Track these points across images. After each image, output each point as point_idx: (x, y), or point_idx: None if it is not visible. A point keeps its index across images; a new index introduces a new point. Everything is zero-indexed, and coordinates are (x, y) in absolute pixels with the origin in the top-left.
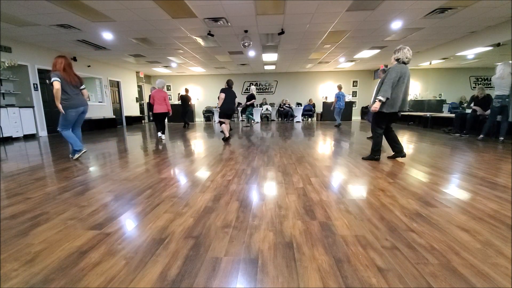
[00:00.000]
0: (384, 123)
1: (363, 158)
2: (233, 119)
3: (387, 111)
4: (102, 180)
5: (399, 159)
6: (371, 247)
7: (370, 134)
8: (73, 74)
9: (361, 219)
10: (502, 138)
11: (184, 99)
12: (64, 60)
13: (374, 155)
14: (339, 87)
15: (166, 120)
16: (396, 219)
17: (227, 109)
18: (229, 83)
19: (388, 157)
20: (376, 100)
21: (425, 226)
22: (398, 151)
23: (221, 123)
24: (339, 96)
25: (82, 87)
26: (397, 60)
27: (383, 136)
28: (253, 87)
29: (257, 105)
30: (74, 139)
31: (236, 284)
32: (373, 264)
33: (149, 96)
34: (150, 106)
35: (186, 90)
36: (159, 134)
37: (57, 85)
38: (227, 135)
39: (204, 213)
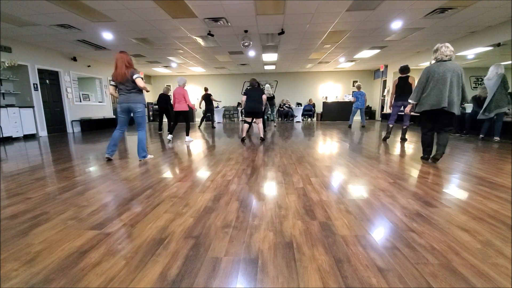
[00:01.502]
0: (427, 123)
1: (421, 158)
2: (233, 119)
3: (417, 110)
4: (102, 180)
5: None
6: (371, 247)
7: (377, 136)
8: (120, 70)
9: (361, 219)
10: (497, 138)
11: (205, 98)
12: (116, 56)
13: (423, 154)
14: (358, 87)
15: (179, 119)
16: (396, 219)
17: (248, 108)
18: (252, 83)
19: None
20: (409, 103)
21: (425, 226)
22: (436, 150)
23: (245, 121)
24: (357, 96)
25: (134, 77)
26: (437, 60)
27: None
28: (267, 86)
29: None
30: (110, 141)
31: (236, 284)
32: (373, 264)
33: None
34: (163, 103)
35: (206, 89)
36: (168, 136)
37: (110, 89)
38: (243, 135)
39: (204, 213)
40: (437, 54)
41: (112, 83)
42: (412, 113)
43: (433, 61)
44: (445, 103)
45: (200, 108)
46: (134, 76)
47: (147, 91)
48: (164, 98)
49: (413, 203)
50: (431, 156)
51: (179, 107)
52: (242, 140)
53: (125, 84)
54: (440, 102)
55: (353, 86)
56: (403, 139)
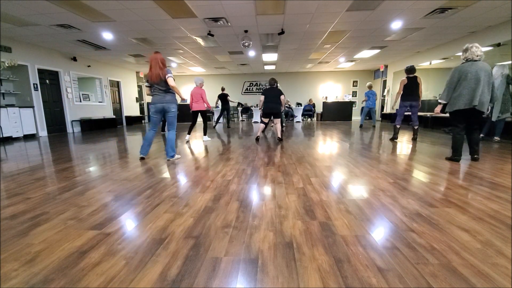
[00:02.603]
0: (459, 122)
1: (446, 158)
2: (233, 119)
3: (448, 110)
4: (102, 180)
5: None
6: (371, 247)
7: (387, 136)
8: (155, 70)
9: (361, 219)
10: (497, 138)
11: (222, 97)
12: (150, 56)
13: (453, 156)
14: (369, 86)
15: (200, 118)
16: (396, 219)
17: (267, 109)
18: (270, 82)
19: (446, 158)
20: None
21: (425, 226)
22: (470, 152)
23: (261, 121)
24: (369, 95)
25: (166, 76)
26: (467, 60)
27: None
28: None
29: (257, 105)
30: (144, 142)
31: (236, 284)
32: (373, 264)
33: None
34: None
35: (222, 89)
36: (187, 137)
37: (146, 90)
38: (259, 134)
39: (204, 213)
40: (467, 54)
41: (147, 84)
42: (439, 114)
43: (462, 61)
44: (476, 101)
45: (217, 107)
46: (167, 76)
47: (177, 93)
48: None
49: (413, 203)
50: (472, 157)
51: (196, 106)
52: (257, 139)
53: (159, 85)
54: (472, 101)
55: (353, 86)
56: (415, 139)
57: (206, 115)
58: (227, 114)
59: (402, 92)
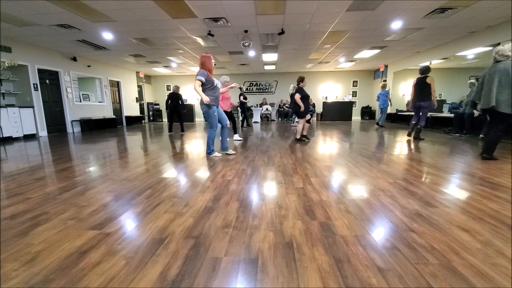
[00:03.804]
0: (489, 121)
1: (480, 155)
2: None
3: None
4: (102, 180)
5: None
6: (371, 247)
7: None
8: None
9: (361, 219)
10: None
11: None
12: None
13: (483, 153)
14: (381, 86)
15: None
16: (396, 219)
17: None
18: (297, 80)
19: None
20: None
21: (425, 226)
22: (482, 150)
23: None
24: (379, 96)
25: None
26: (493, 61)
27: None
28: (292, 86)
29: (257, 105)
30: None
31: (236, 284)
32: (373, 264)
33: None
34: (174, 103)
35: (240, 89)
36: (235, 136)
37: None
38: (298, 136)
39: (204, 213)
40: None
41: None
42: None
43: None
44: (493, 102)
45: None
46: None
47: (200, 95)
48: (175, 97)
49: (413, 203)
50: (481, 155)
51: (222, 107)
52: (298, 140)
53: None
54: (489, 102)
55: (353, 86)
56: (416, 138)
57: (232, 114)
58: (244, 114)
59: (413, 94)
